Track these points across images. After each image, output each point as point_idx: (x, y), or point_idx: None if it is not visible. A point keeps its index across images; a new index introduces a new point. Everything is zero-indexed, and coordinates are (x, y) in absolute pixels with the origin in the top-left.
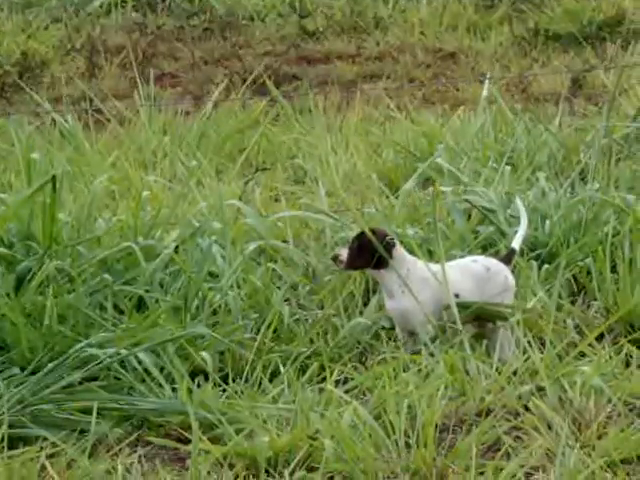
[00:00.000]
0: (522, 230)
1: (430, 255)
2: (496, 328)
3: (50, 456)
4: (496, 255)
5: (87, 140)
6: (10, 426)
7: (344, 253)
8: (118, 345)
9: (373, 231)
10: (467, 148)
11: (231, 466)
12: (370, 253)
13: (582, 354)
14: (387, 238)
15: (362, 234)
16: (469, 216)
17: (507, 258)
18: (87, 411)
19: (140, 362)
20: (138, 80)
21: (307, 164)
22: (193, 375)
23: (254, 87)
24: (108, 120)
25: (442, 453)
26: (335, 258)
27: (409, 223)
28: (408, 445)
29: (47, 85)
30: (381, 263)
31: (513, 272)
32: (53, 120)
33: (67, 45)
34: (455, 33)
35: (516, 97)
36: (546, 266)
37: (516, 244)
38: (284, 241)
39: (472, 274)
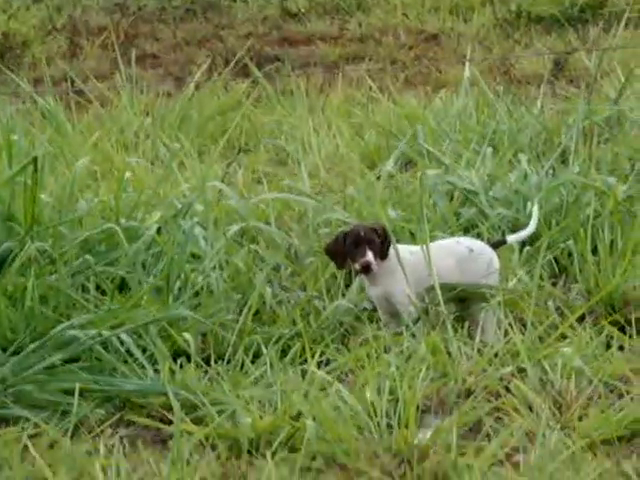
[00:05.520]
0: (526, 232)
1: (412, 237)
2: (478, 309)
3: (32, 436)
4: (485, 240)
5: (68, 121)
6: None
7: (370, 256)
8: (100, 326)
9: (374, 228)
10: (449, 130)
11: (213, 447)
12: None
13: (563, 336)
14: (386, 230)
15: (359, 230)
16: (451, 198)
17: (495, 244)
18: (69, 392)
19: (122, 343)
20: (119, 61)
21: (289, 146)
22: (175, 356)
23: (236, 68)
24: (89, 101)
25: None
26: (367, 267)
27: (391, 205)
28: (390, 426)
29: (28, 65)
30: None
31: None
32: (34, 101)
33: (48, 25)
34: (437, 15)
35: (498, 79)
36: (527, 248)
37: (511, 238)
38: (266, 223)
39: (454, 255)
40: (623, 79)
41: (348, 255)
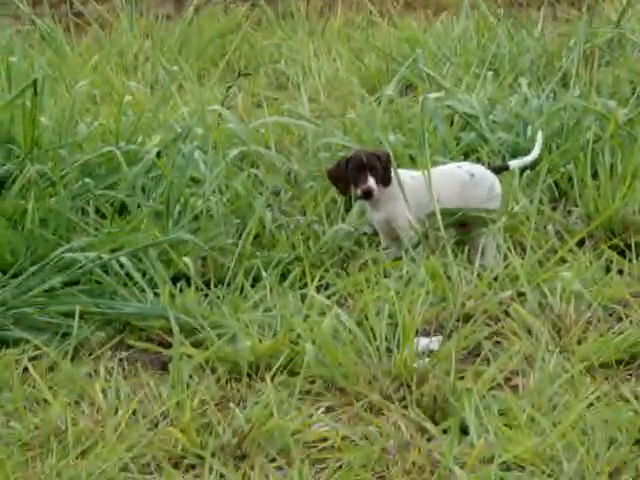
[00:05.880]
0: (529, 158)
1: (413, 161)
2: (478, 234)
3: (32, 359)
4: (488, 166)
5: (68, 44)
6: None
7: (371, 182)
8: (100, 249)
9: (376, 154)
10: (449, 54)
11: (213, 370)
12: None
13: (563, 260)
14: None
15: (362, 155)
16: (451, 122)
17: (497, 170)
18: (69, 315)
19: (122, 267)
20: None
21: (289, 69)
22: (175, 280)
23: None
24: (89, 23)
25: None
26: (368, 193)
27: (391, 129)
28: (389, 350)
29: None
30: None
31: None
32: (33, 23)
33: None
34: None
35: (499, 2)
36: (528, 172)
37: (514, 163)
38: (266, 147)
39: (455, 179)
40: (625, 1)
41: (350, 180)
